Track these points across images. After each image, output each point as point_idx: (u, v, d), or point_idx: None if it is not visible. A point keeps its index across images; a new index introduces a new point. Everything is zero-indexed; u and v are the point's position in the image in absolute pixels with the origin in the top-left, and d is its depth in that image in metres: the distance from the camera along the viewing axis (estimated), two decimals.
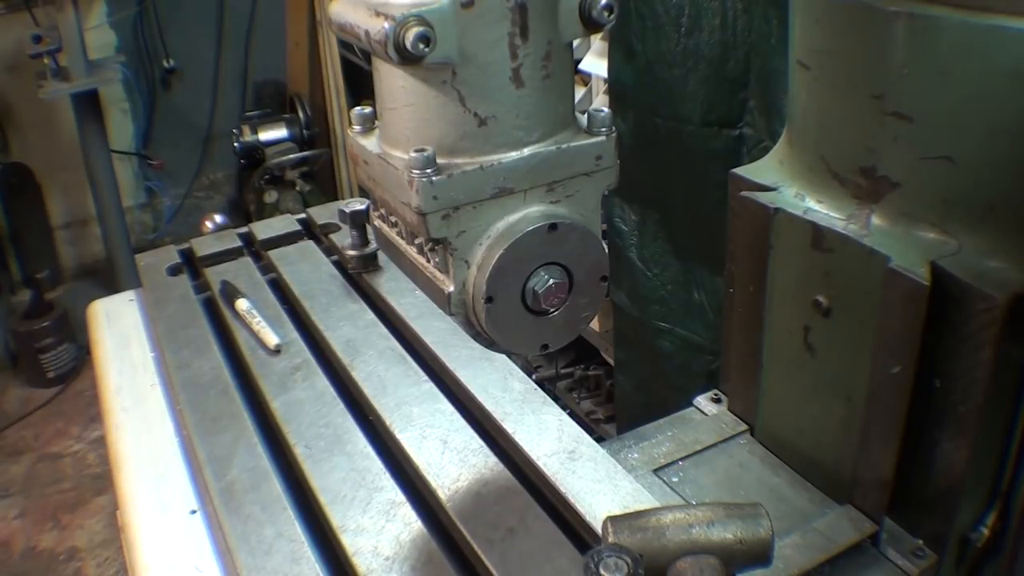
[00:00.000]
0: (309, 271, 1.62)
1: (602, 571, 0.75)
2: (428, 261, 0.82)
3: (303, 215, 1.83)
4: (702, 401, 1.35)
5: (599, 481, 1.09)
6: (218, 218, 4.61)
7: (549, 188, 0.80)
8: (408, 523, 1.05)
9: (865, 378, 1.02)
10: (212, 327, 1.48)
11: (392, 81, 0.77)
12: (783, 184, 1.11)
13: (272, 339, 1.40)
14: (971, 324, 0.92)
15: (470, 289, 0.80)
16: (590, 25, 0.77)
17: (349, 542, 1.02)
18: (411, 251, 0.85)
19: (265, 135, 4.54)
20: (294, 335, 1.43)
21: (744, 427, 1.27)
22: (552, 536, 1.03)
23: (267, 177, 4.46)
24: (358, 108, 0.86)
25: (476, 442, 1.18)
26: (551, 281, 0.80)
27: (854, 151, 1.00)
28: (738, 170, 1.17)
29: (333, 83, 4.52)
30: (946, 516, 1.01)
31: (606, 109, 0.81)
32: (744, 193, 1.13)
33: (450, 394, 1.29)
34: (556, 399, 1.66)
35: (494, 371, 1.30)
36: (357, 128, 0.86)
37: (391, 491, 1.10)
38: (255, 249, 1.74)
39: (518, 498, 1.09)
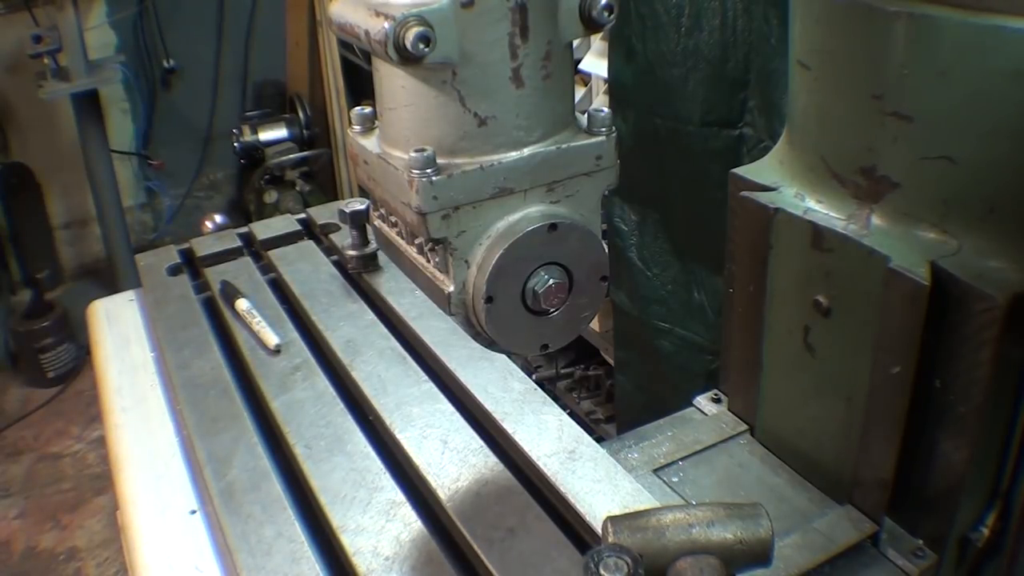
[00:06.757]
0: (309, 271, 1.62)
1: (602, 571, 0.75)
2: (428, 261, 0.83)
3: (303, 215, 1.83)
4: (702, 401, 1.35)
5: (599, 481, 1.09)
6: (218, 218, 4.62)
7: (549, 188, 0.80)
8: (408, 523, 1.05)
9: (865, 378, 1.02)
10: (212, 327, 1.48)
11: (392, 81, 0.77)
12: (783, 184, 1.11)
13: (272, 339, 1.40)
14: (971, 324, 0.92)
15: (470, 289, 0.80)
16: (590, 25, 0.77)
17: (349, 542, 1.02)
18: (411, 251, 0.85)
19: (265, 135, 4.54)
20: (294, 335, 1.43)
21: (744, 427, 1.27)
22: (552, 536, 1.03)
23: (267, 177, 4.46)
24: (358, 108, 0.86)
25: (476, 442, 1.18)
26: (551, 281, 0.80)
27: (854, 151, 1.00)
28: (738, 170, 1.17)
29: (333, 83, 4.51)
30: (946, 516, 1.02)
31: (606, 109, 0.81)
32: (744, 193, 1.13)
33: (450, 394, 1.29)
34: (556, 399, 1.66)
35: (494, 371, 1.30)
36: (357, 128, 0.86)
37: (391, 491, 1.10)
38: (255, 249, 1.74)
39: (518, 498, 1.09)
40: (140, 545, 1.10)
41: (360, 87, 4.36)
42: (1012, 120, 0.87)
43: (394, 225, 0.87)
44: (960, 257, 0.94)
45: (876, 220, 1.00)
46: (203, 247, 1.70)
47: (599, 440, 1.19)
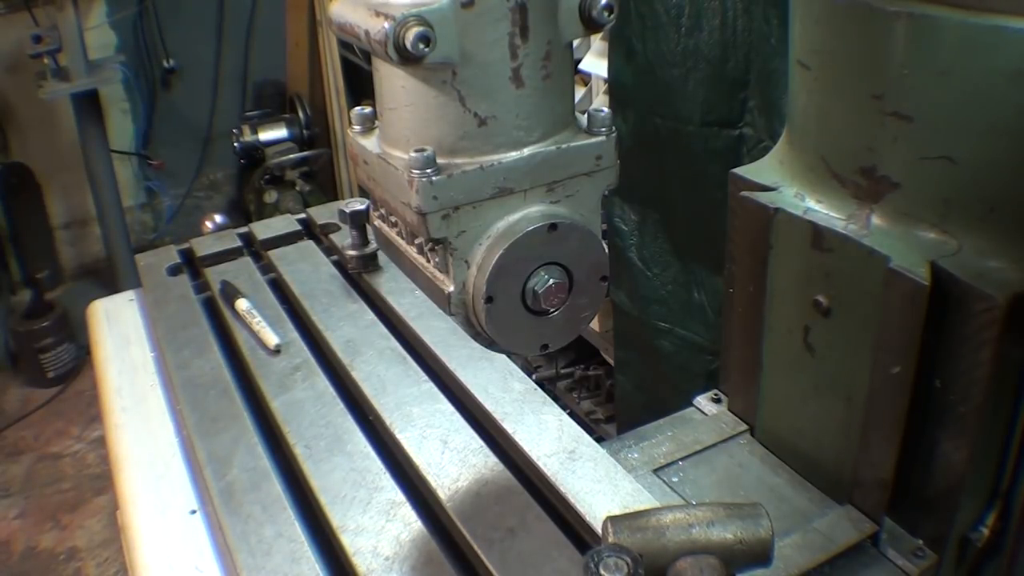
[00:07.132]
0: (309, 271, 1.62)
1: (602, 571, 0.75)
2: (428, 261, 0.83)
3: (303, 215, 1.83)
4: (702, 401, 1.35)
5: (599, 481, 1.09)
6: (218, 218, 4.62)
7: (549, 188, 0.80)
8: (408, 523, 1.05)
9: (865, 378, 1.02)
10: (212, 327, 1.48)
11: (392, 81, 0.77)
12: (783, 184, 1.11)
13: (272, 339, 1.40)
14: (971, 324, 0.92)
15: (470, 289, 0.80)
16: (590, 25, 0.77)
17: (349, 542, 1.02)
18: (411, 251, 0.85)
19: (265, 135, 4.54)
20: (294, 335, 1.43)
21: (744, 427, 1.27)
22: (552, 536, 1.03)
23: (267, 177, 4.46)
24: (358, 108, 0.86)
25: (476, 442, 1.18)
26: (551, 281, 0.80)
27: (854, 151, 1.00)
28: (738, 170, 1.17)
29: (333, 83, 4.51)
30: (946, 516, 1.02)
31: (606, 109, 0.81)
32: (744, 193, 1.13)
33: (450, 394, 1.29)
34: (556, 399, 1.66)
35: (494, 371, 1.30)
36: (357, 128, 0.86)
37: (391, 491, 1.10)
38: (255, 249, 1.74)
39: (518, 498, 1.09)
40: (140, 545, 1.10)
41: (360, 87, 4.36)
42: (1012, 120, 0.87)
43: (394, 225, 0.87)
44: (960, 257, 0.94)
45: (876, 220, 1.00)
46: (203, 247, 1.70)
47: (599, 440, 1.19)
